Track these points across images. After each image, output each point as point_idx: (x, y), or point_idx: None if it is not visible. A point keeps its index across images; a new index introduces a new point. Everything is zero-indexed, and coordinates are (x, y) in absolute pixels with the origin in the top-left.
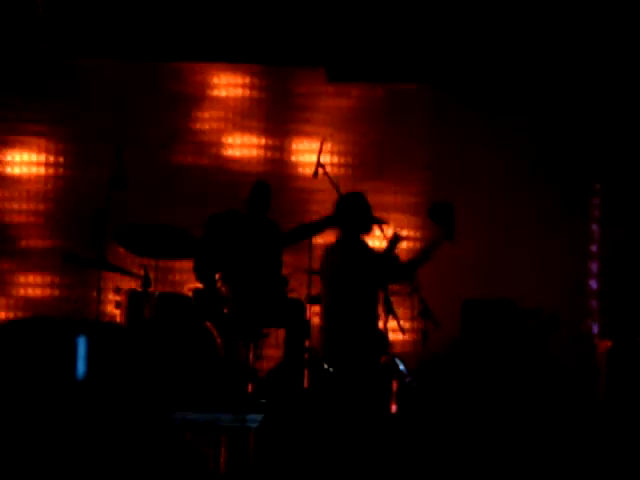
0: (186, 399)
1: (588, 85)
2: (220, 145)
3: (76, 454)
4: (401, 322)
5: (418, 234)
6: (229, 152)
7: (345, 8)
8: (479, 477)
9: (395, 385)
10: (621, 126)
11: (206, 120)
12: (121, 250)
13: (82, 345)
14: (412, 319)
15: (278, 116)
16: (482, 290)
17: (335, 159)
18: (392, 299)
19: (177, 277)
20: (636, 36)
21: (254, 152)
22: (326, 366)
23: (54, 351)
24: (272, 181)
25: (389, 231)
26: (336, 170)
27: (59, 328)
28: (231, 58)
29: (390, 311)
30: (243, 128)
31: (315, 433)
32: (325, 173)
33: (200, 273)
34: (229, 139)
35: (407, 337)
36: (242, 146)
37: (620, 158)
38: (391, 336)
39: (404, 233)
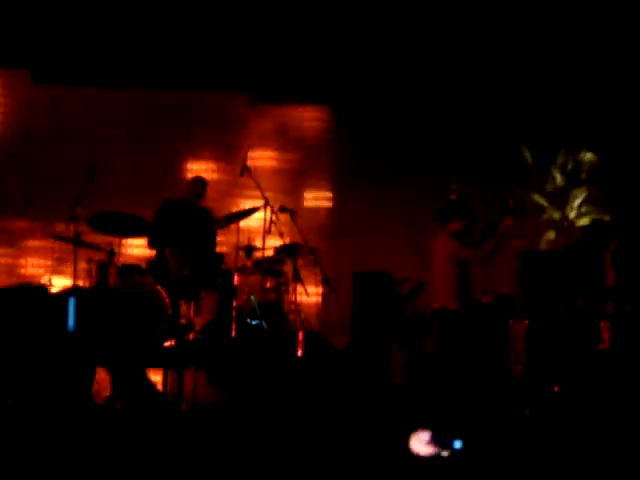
0: (145, 345)
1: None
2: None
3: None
4: (307, 287)
5: None
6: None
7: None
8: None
9: (301, 335)
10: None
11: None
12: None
13: (72, 304)
14: (315, 285)
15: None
16: (368, 263)
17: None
18: (299, 269)
19: (135, 251)
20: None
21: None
22: (248, 320)
23: (53, 309)
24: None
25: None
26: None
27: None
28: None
29: (298, 278)
30: None
31: (241, 372)
32: (249, 173)
33: (152, 248)
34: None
35: (311, 299)
36: None
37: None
38: (299, 298)
39: None
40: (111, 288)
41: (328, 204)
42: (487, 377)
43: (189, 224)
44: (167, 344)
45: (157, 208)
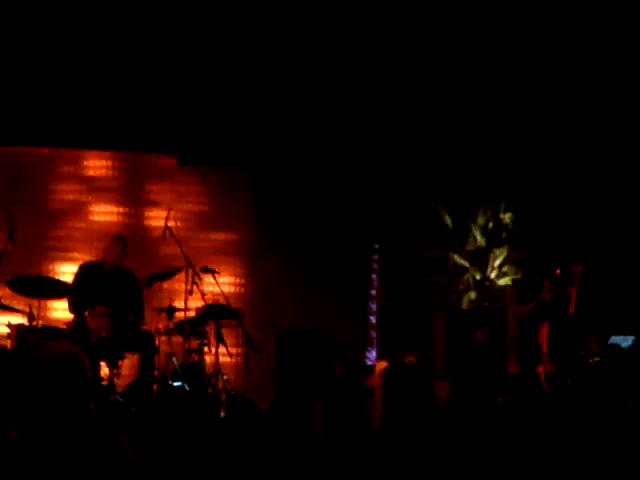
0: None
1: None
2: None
3: None
4: (229, 348)
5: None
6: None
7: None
8: None
9: (223, 396)
10: (393, 196)
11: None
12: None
13: None
14: (237, 346)
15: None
16: (292, 323)
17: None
18: (222, 330)
19: (55, 314)
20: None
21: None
22: (170, 382)
23: None
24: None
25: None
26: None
27: None
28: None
29: (220, 339)
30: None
31: (163, 434)
32: (171, 234)
33: (72, 310)
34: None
35: (234, 360)
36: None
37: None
38: (221, 359)
39: None
40: (30, 350)
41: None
42: (410, 436)
43: (108, 285)
44: (87, 407)
45: (78, 269)
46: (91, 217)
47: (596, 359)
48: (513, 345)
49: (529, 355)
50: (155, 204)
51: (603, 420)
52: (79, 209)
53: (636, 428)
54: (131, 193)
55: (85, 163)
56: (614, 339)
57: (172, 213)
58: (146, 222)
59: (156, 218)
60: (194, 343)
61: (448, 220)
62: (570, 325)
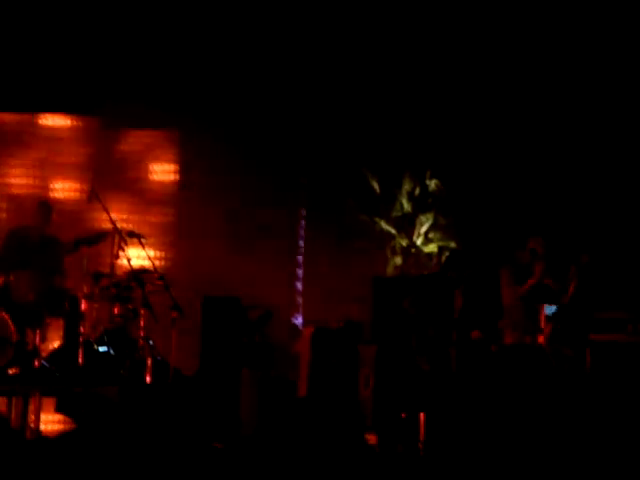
0: None
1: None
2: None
3: None
4: (155, 314)
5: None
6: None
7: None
8: None
9: (150, 360)
10: (321, 160)
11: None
12: None
13: None
14: (164, 311)
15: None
16: (219, 289)
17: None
18: (148, 295)
19: None
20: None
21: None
22: (96, 347)
23: None
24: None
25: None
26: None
27: None
28: None
29: (146, 305)
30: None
31: (88, 398)
32: (97, 198)
33: None
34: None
35: (160, 325)
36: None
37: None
38: (147, 325)
39: None
40: None
41: (176, 228)
42: (335, 401)
43: (34, 250)
44: (12, 371)
45: (5, 234)
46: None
47: None
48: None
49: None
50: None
51: None
52: None
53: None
54: (50, 157)
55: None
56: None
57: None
58: (65, 186)
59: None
60: (120, 308)
61: (375, 185)
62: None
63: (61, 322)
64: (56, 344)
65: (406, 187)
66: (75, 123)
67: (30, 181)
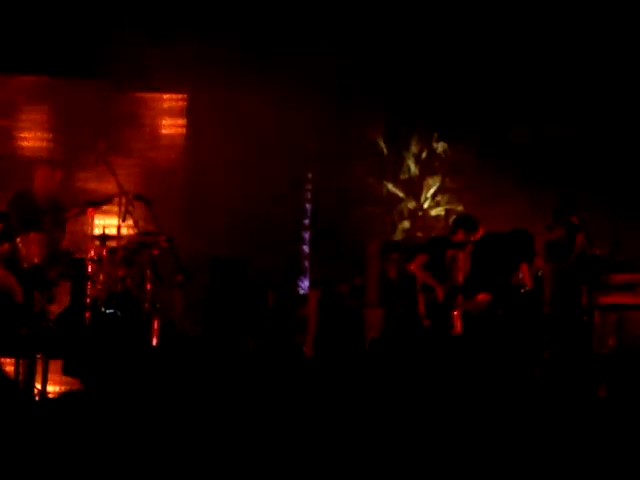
0: None
1: None
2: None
3: None
4: (162, 276)
5: None
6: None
7: None
8: None
9: (156, 323)
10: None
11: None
12: None
13: None
14: (171, 274)
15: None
16: (226, 252)
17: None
18: (155, 258)
19: None
20: None
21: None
22: (103, 309)
23: None
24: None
25: None
26: None
27: None
28: None
29: (153, 268)
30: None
31: (95, 360)
32: (104, 161)
33: (3, 237)
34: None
35: (167, 287)
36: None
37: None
38: (154, 287)
39: None
40: None
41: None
42: (341, 363)
43: (40, 212)
44: (19, 332)
45: (12, 196)
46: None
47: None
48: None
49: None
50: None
51: None
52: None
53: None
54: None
55: None
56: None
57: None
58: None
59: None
60: (127, 271)
61: (383, 147)
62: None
63: (68, 285)
64: (63, 306)
65: (413, 149)
66: (86, 86)
67: (43, 144)
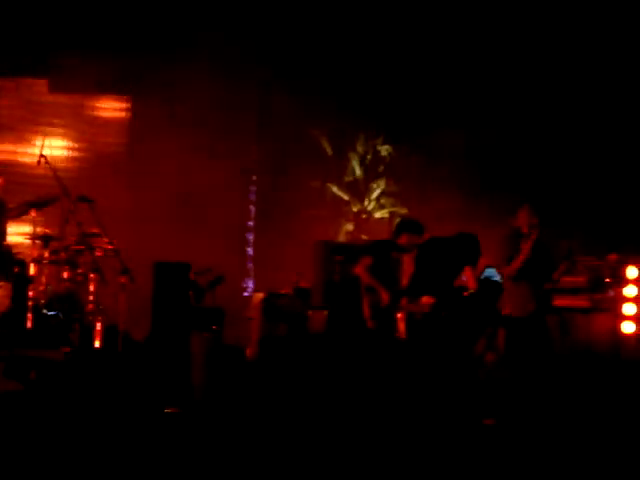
0: None
1: None
2: None
3: None
4: (105, 278)
5: None
6: None
7: None
8: None
9: (99, 325)
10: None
11: None
12: None
13: None
14: (114, 276)
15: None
16: (170, 254)
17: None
18: (98, 260)
19: None
20: None
21: None
22: (45, 311)
23: None
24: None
25: None
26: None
27: None
28: None
29: (96, 269)
30: None
31: (36, 362)
32: (46, 162)
33: None
34: None
35: (110, 290)
36: None
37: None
38: (97, 289)
39: None
40: None
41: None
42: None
43: None
44: None
45: None
46: None
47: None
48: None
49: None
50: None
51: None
52: None
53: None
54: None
55: None
56: (487, 272)
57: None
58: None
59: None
60: (69, 273)
61: (328, 148)
62: None
63: (9, 286)
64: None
65: (359, 149)
66: (21, 85)
67: None
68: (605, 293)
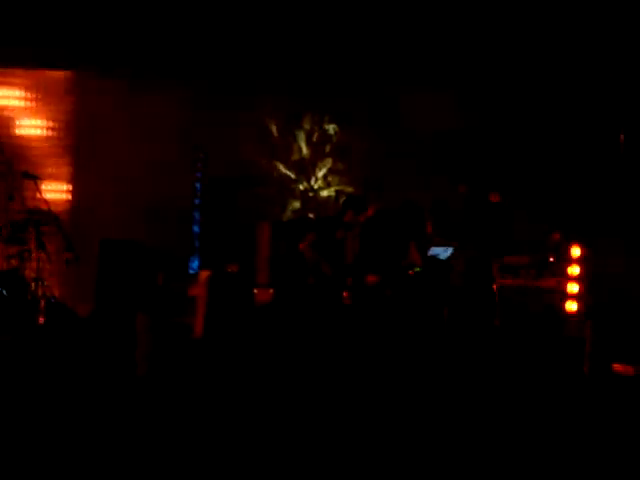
0: None
1: None
2: None
3: None
4: (50, 255)
5: None
6: None
7: None
8: None
9: (43, 302)
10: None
11: None
12: None
13: None
14: (59, 253)
15: None
16: (116, 232)
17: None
18: (43, 237)
19: None
20: None
21: None
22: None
23: None
24: None
25: None
26: None
27: None
28: None
29: (41, 246)
30: None
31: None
32: None
33: None
34: None
35: (54, 267)
36: None
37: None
38: (41, 266)
39: None
40: None
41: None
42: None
43: None
44: None
45: None
46: None
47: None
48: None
49: None
50: None
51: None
52: None
53: (449, 334)
54: None
55: None
56: (434, 250)
57: None
58: None
59: None
60: (14, 249)
61: (274, 129)
62: None
63: None
64: None
65: (305, 126)
66: None
67: None
68: (548, 272)
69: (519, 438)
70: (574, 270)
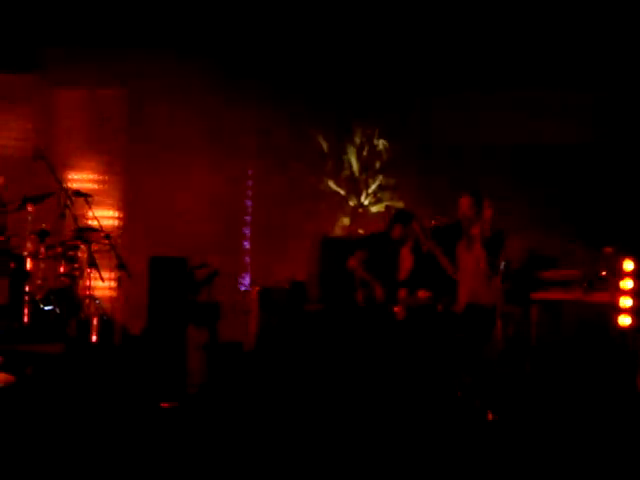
0: None
1: None
2: None
3: None
4: (102, 273)
5: None
6: None
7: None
8: None
9: (95, 320)
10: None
11: None
12: None
13: None
14: (111, 270)
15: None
16: (166, 249)
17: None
18: (94, 254)
19: None
20: None
21: None
22: (41, 306)
23: None
24: None
25: None
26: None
27: None
28: None
29: (92, 264)
30: None
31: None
32: (43, 158)
33: None
34: None
35: (106, 285)
36: None
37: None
38: (94, 284)
39: None
40: None
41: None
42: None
43: None
44: None
45: None
46: None
47: None
48: None
49: None
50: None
51: None
52: None
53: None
54: None
55: None
56: None
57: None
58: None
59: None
60: (66, 267)
61: (324, 145)
62: None
63: (6, 281)
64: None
65: (356, 141)
66: (17, 81)
67: None
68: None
69: (572, 452)
70: (627, 284)
